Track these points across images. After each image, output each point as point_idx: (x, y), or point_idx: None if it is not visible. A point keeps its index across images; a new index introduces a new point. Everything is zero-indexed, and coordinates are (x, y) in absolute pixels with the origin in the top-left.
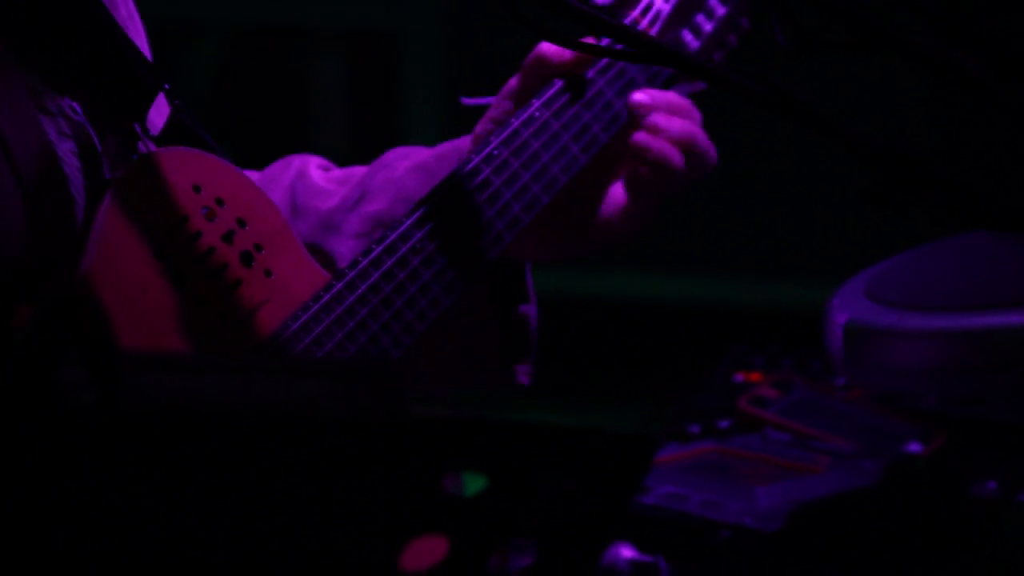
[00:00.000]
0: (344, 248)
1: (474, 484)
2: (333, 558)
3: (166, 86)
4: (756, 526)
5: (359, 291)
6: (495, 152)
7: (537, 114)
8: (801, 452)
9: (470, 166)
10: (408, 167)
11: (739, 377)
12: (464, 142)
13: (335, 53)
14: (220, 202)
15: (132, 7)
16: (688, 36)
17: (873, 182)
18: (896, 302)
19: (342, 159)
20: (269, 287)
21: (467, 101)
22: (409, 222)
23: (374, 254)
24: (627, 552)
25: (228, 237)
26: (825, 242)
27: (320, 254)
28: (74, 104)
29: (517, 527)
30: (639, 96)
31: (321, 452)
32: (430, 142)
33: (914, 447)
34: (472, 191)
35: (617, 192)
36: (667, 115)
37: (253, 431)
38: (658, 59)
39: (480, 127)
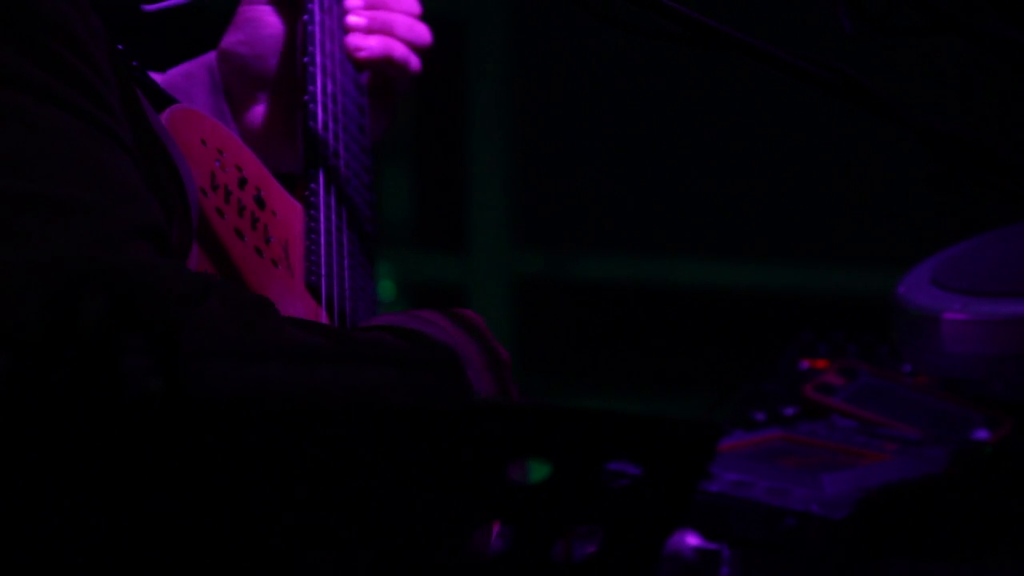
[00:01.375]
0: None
1: (539, 472)
2: (399, 545)
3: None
4: (822, 513)
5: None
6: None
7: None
8: (867, 439)
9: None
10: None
11: (804, 364)
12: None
13: None
14: (221, 152)
15: None
16: None
17: (937, 167)
18: (961, 288)
19: (408, 148)
20: (281, 226)
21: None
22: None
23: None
24: (692, 539)
25: (241, 184)
26: (892, 228)
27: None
28: None
29: (582, 514)
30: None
31: (386, 440)
32: (496, 132)
33: (981, 434)
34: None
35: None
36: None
37: (319, 419)
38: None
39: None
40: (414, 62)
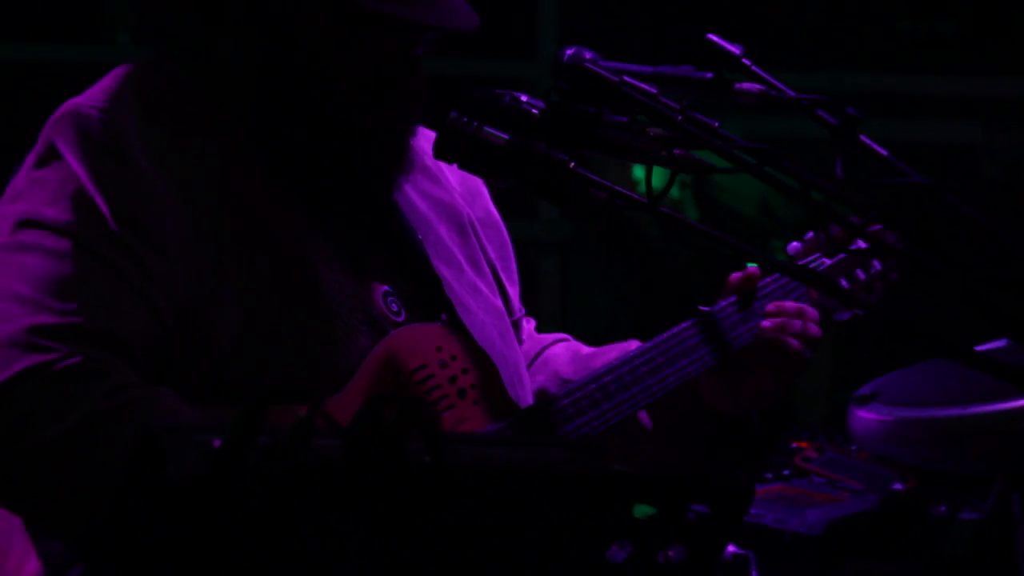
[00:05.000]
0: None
1: (644, 511)
2: (548, 557)
3: (450, 285)
4: (806, 532)
5: (602, 380)
6: (690, 328)
7: (720, 313)
8: (832, 490)
9: (676, 330)
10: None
11: (794, 444)
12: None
13: None
14: (453, 357)
15: (424, 211)
16: (843, 281)
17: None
18: (889, 401)
19: None
20: (473, 411)
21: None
22: (649, 345)
23: (608, 367)
24: (730, 547)
25: (453, 379)
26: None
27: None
28: (389, 288)
29: (673, 536)
30: (775, 305)
31: (564, 494)
32: None
33: (898, 486)
34: (676, 345)
35: (756, 371)
36: (792, 319)
37: (519, 481)
38: (818, 286)
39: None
40: (806, 352)
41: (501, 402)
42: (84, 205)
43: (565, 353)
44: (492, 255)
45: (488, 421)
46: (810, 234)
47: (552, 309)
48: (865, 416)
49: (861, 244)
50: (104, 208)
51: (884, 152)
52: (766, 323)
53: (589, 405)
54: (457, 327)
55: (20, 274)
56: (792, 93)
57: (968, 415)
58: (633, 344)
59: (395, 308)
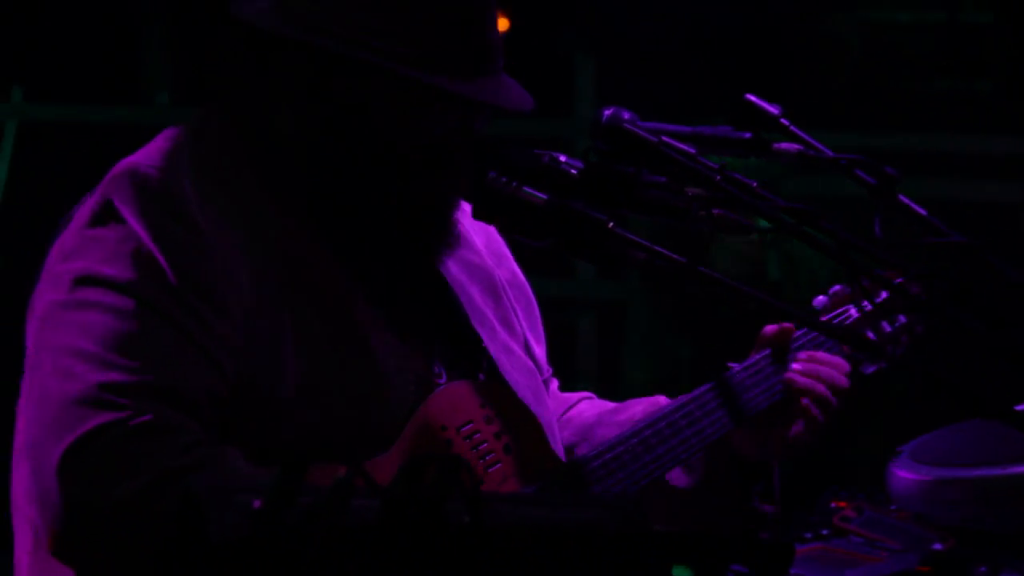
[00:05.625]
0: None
1: (683, 572)
2: None
3: (486, 347)
4: None
5: (629, 444)
6: (726, 384)
7: (752, 367)
8: (870, 549)
9: (711, 385)
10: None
11: (833, 504)
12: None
13: None
14: (497, 414)
15: (472, 290)
16: (869, 333)
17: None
18: (928, 460)
19: None
20: (517, 466)
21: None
22: (672, 407)
23: (642, 425)
24: None
25: (498, 435)
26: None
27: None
28: (431, 349)
29: None
30: (807, 354)
31: (602, 552)
32: None
33: (937, 546)
34: (713, 397)
35: (787, 420)
36: (821, 366)
37: (558, 541)
38: (845, 340)
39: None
40: (833, 400)
41: (544, 458)
42: (145, 263)
43: (590, 410)
44: (521, 315)
45: (531, 477)
46: (836, 287)
47: (589, 368)
48: (904, 476)
49: (884, 294)
50: (165, 266)
51: (923, 211)
52: (797, 366)
53: (618, 467)
54: (498, 384)
55: (83, 332)
56: (830, 152)
57: (1007, 475)
58: (661, 399)
59: (437, 370)
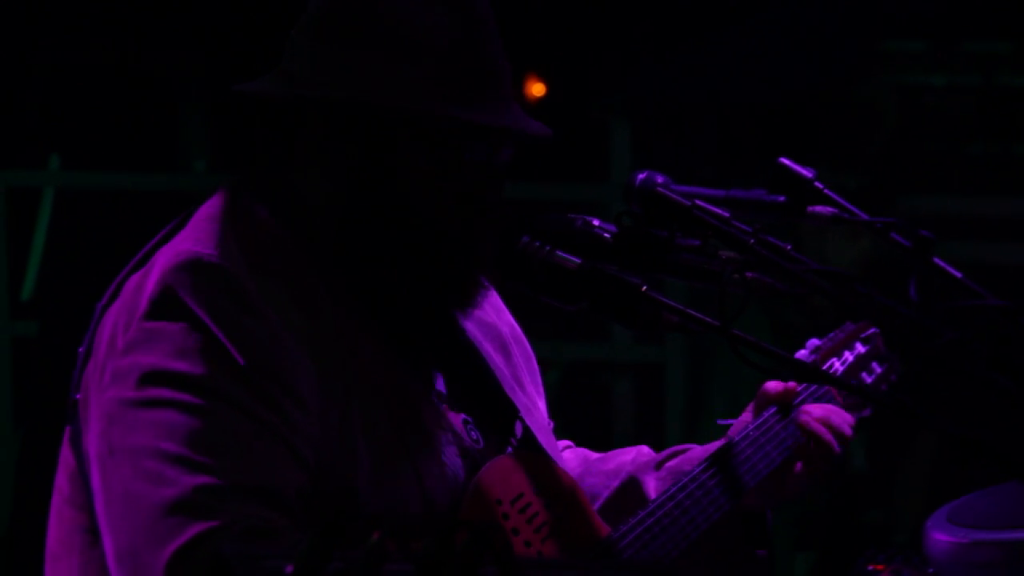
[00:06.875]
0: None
1: None
2: None
3: (519, 412)
4: None
5: (662, 511)
6: (740, 445)
7: (763, 425)
8: None
9: (728, 448)
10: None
11: (871, 568)
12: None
13: None
14: (545, 485)
15: (496, 357)
16: (854, 382)
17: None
18: (964, 522)
19: None
20: (568, 537)
21: (721, 422)
22: (698, 470)
23: (672, 490)
24: None
25: (548, 505)
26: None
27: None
28: (468, 417)
29: None
30: (819, 405)
31: None
32: None
33: None
34: (730, 459)
35: (797, 467)
36: (828, 414)
37: None
38: (841, 387)
39: (732, 431)
40: (837, 446)
41: (587, 524)
42: (217, 356)
43: (573, 459)
44: (524, 369)
45: (579, 545)
46: (814, 341)
47: (625, 431)
48: (941, 538)
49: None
50: (239, 358)
51: (958, 274)
52: (810, 408)
53: (650, 538)
54: (535, 454)
55: (163, 432)
56: (865, 216)
57: None
58: (644, 448)
59: (475, 436)
